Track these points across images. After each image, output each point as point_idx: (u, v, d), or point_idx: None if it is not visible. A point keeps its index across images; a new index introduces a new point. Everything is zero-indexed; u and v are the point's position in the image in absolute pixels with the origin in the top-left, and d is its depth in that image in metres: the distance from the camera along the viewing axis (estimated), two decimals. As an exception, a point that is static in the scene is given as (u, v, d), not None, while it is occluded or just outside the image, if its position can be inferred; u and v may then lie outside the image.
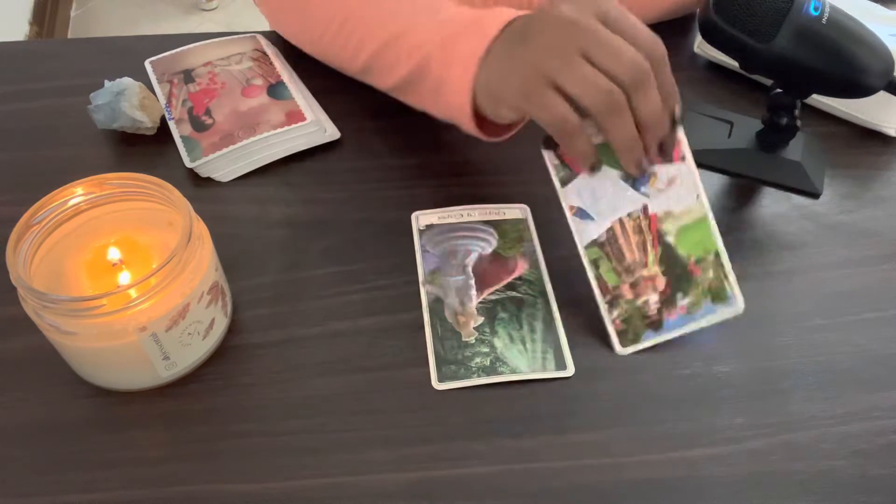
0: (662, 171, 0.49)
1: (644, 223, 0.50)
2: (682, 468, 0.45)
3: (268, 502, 0.44)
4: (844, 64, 0.54)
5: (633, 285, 0.51)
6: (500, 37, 0.50)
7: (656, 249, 0.51)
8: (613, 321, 0.51)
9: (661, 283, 0.51)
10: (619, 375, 0.50)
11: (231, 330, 0.51)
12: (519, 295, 0.53)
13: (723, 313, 0.49)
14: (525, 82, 0.46)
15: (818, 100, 0.65)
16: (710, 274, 0.49)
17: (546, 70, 0.45)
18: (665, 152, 0.48)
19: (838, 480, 0.45)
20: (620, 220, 0.51)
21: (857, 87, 0.55)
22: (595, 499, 0.44)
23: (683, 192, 0.50)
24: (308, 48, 0.66)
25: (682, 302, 0.50)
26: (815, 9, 0.53)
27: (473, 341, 0.51)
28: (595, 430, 0.47)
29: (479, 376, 0.49)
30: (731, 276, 0.49)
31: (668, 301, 0.50)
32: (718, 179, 0.61)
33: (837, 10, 0.54)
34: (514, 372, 0.49)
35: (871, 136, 0.64)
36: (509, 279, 0.54)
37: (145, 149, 0.62)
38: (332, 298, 0.53)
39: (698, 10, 0.57)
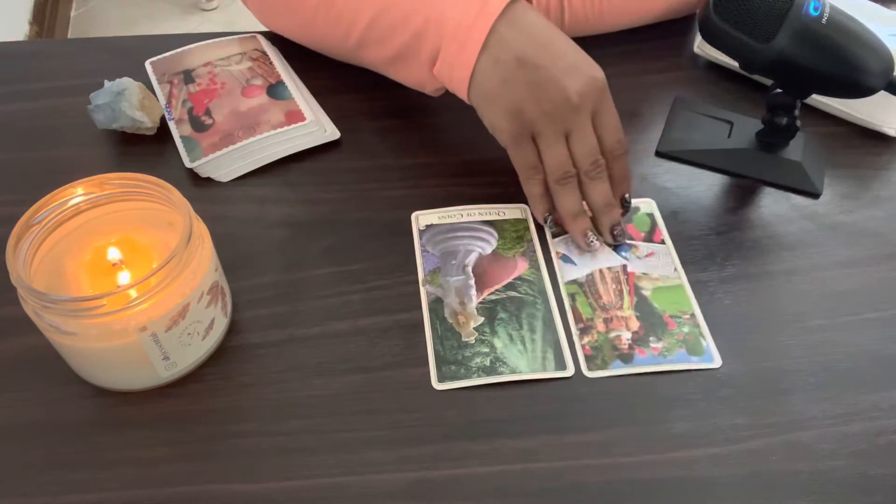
0: (643, 246, 0.56)
1: (622, 277, 0.54)
2: (682, 468, 0.45)
3: (268, 502, 0.44)
4: (844, 64, 0.54)
5: (607, 321, 0.52)
6: (503, 23, 0.53)
7: (632, 298, 0.53)
8: (583, 346, 0.51)
9: (635, 324, 0.52)
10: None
11: (231, 330, 0.51)
12: (519, 295, 0.53)
13: (698, 364, 0.50)
14: (517, 127, 0.54)
15: (818, 100, 0.65)
16: (686, 329, 0.51)
17: (537, 132, 0.54)
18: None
19: (838, 480, 0.45)
20: (600, 270, 0.55)
21: (857, 87, 0.55)
22: (595, 499, 0.44)
23: (661, 265, 0.55)
24: (299, 35, 0.66)
25: (656, 344, 0.51)
26: (815, 9, 0.53)
27: (473, 341, 0.51)
28: (595, 430, 0.47)
29: (478, 376, 0.49)
30: (708, 337, 0.51)
31: (641, 340, 0.51)
32: (718, 179, 0.61)
33: (837, 10, 0.54)
34: (513, 372, 0.49)
35: (871, 136, 0.64)
36: (509, 279, 0.54)
37: (145, 149, 0.62)
38: (332, 298, 0.53)
39: (698, 10, 0.57)
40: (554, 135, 0.53)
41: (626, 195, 0.57)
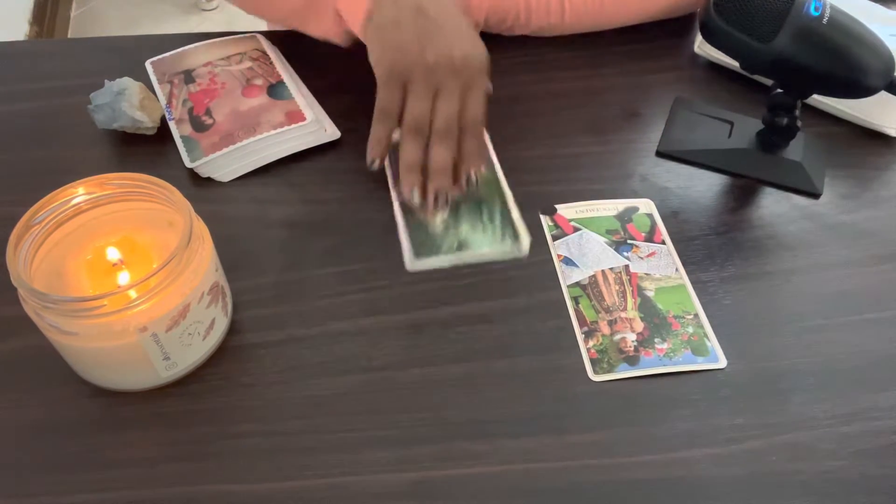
0: (644, 246, 0.56)
1: (625, 277, 0.54)
2: (682, 468, 0.45)
3: (268, 502, 0.44)
4: (844, 64, 0.54)
5: (611, 323, 0.52)
6: None
7: (635, 299, 0.53)
8: (589, 350, 0.51)
9: (639, 326, 0.52)
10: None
11: (231, 330, 0.51)
12: (479, 194, 0.56)
13: (704, 365, 0.50)
14: (394, 68, 0.54)
15: (818, 100, 0.65)
16: (690, 329, 0.51)
17: (411, 80, 0.54)
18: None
19: (838, 480, 0.45)
20: (603, 271, 0.55)
21: (857, 87, 0.55)
22: (596, 499, 0.44)
23: (662, 264, 0.55)
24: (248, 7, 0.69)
25: (661, 346, 0.51)
26: (816, 9, 0.53)
27: (441, 230, 0.53)
28: (595, 430, 0.47)
29: (447, 254, 0.52)
30: (713, 337, 0.51)
31: (645, 341, 0.51)
32: (718, 179, 0.61)
33: (838, 10, 0.54)
34: (479, 249, 0.52)
35: (871, 136, 0.64)
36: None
37: (145, 149, 0.62)
38: (332, 298, 0.53)
39: (698, 10, 0.57)
40: (424, 89, 0.54)
41: (471, 172, 0.56)
